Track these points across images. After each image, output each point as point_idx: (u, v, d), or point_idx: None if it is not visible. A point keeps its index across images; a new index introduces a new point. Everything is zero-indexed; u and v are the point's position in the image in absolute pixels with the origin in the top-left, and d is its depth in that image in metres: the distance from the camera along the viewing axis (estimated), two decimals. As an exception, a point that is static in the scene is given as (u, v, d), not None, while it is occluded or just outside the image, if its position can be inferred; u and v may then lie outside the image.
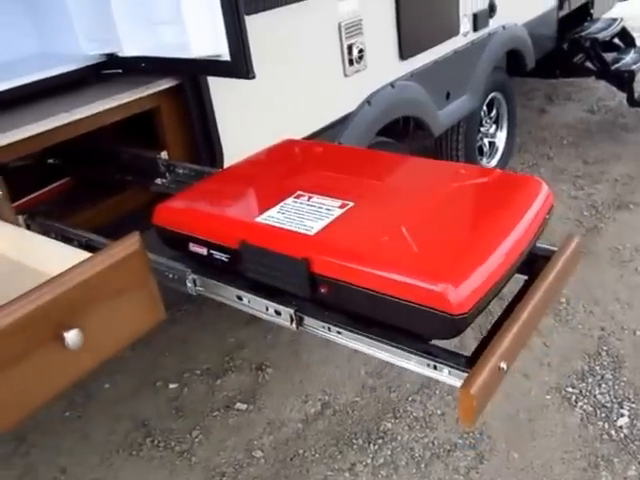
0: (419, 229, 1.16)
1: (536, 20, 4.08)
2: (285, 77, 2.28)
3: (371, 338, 1.12)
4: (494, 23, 3.55)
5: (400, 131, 3.25)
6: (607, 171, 4.26)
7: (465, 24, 3.29)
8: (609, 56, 4.79)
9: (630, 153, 4.48)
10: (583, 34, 4.55)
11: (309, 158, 1.57)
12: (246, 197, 1.40)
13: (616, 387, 2.54)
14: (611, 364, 2.66)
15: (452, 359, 1.06)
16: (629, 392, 2.51)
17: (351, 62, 2.53)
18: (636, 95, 4.55)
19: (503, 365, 1.01)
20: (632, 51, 4.86)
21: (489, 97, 3.88)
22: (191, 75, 1.92)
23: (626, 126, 4.92)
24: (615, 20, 4.95)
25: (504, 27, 3.64)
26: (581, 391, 2.54)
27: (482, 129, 3.99)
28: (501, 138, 4.19)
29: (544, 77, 4.83)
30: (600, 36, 4.50)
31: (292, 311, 1.20)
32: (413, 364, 1.09)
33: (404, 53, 2.85)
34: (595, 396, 2.51)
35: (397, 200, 1.28)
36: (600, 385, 2.56)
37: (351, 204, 1.25)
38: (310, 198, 1.29)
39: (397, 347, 1.09)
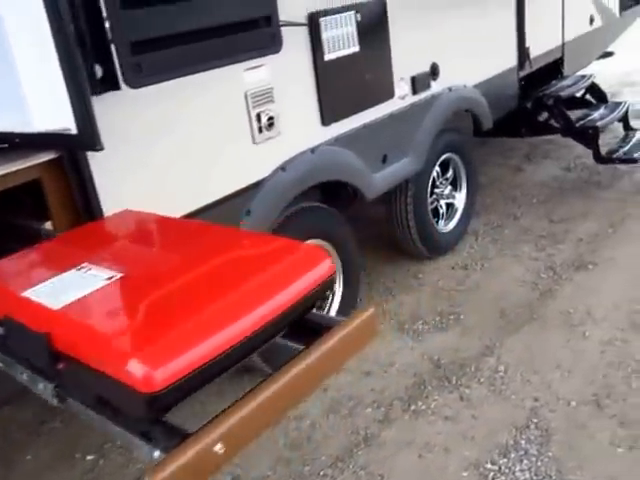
0: (164, 301, 1.12)
1: (492, 80, 4.07)
2: (183, 146, 2.28)
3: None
4: (438, 85, 3.55)
5: (337, 194, 3.23)
6: (572, 230, 4.15)
7: (402, 87, 3.29)
8: (578, 112, 4.75)
9: (599, 210, 4.37)
10: (547, 92, 4.52)
11: (131, 230, 1.55)
12: (36, 268, 1.38)
13: (539, 464, 2.39)
14: (538, 438, 2.51)
15: (164, 437, 0.99)
16: (552, 469, 2.36)
17: (260, 130, 2.54)
18: (603, 151, 4.47)
19: (219, 448, 0.93)
20: (602, 107, 4.80)
21: (442, 158, 3.85)
22: (48, 148, 1.93)
23: (599, 183, 4.82)
24: (584, 77, 4.92)
25: (450, 89, 3.64)
26: (500, 468, 2.40)
27: (437, 190, 3.94)
28: (460, 199, 4.13)
29: (510, 136, 4.79)
30: (564, 94, 4.46)
31: (52, 386, 1.16)
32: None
33: (326, 119, 2.85)
34: (514, 473, 2.37)
35: (165, 271, 1.25)
36: (522, 461, 2.41)
37: (119, 275, 1.22)
38: (88, 270, 1.26)
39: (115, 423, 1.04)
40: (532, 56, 4.45)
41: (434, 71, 3.49)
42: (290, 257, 1.28)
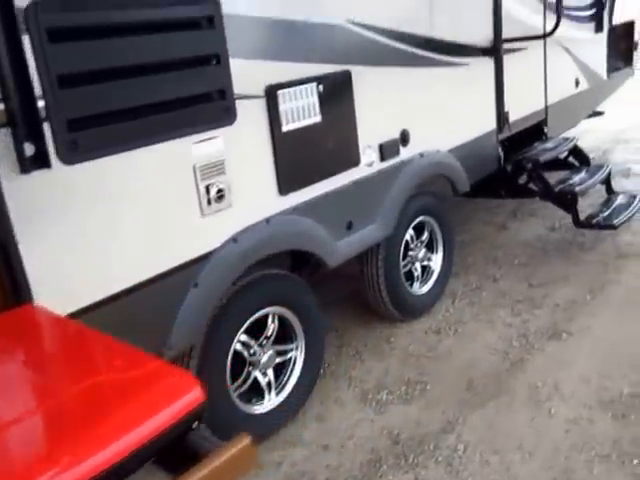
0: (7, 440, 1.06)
1: (469, 145, 4.07)
2: (123, 220, 2.26)
3: None
4: (409, 151, 3.54)
5: (306, 260, 3.21)
6: (550, 294, 4.08)
7: (369, 155, 3.28)
8: (559, 175, 4.73)
9: (580, 274, 4.30)
10: (527, 156, 4.51)
11: (22, 332, 1.51)
12: None
13: None
14: (490, 527, 2.40)
15: None
16: None
17: (209, 202, 2.52)
18: (583, 216, 4.42)
19: None
20: (583, 171, 4.78)
21: (415, 221, 3.82)
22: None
23: (583, 245, 4.75)
24: (567, 139, 4.90)
25: (422, 155, 3.63)
26: None
27: (411, 253, 3.90)
28: (436, 261, 4.09)
29: (490, 197, 4.76)
30: (542, 158, 4.44)
31: None
32: None
33: (284, 188, 2.84)
34: None
35: (20, 399, 1.19)
36: None
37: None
38: None
39: None
40: (512, 120, 4.46)
41: (404, 138, 3.49)
42: (158, 384, 1.23)
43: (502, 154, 4.43)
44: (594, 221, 4.30)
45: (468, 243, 5.07)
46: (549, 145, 4.75)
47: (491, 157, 4.36)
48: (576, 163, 5.00)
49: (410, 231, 3.82)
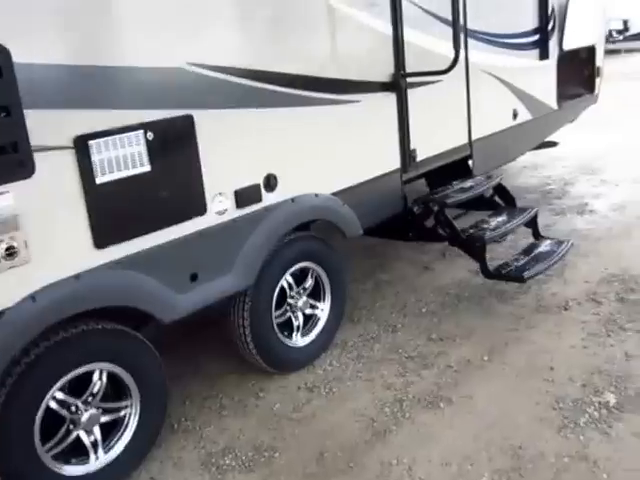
0: None
1: (362, 186, 3.80)
2: None
3: None
4: (277, 196, 3.29)
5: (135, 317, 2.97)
6: (446, 352, 3.78)
7: (221, 202, 3.04)
8: (479, 216, 4.44)
9: (486, 329, 4.00)
10: (435, 196, 4.22)
11: None
12: None
13: None
14: None
15: None
16: None
17: (-3, 259, 2.30)
18: (496, 264, 4.13)
19: None
20: (505, 213, 4.47)
21: (294, 268, 3.56)
22: None
23: (503, 294, 4.44)
24: (490, 178, 4.60)
25: (293, 200, 3.37)
26: None
27: (290, 301, 3.64)
28: (324, 309, 3.82)
29: (398, 239, 4.47)
30: (452, 200, 4.15)
31: None
32: None
33: (101, 242, 2.61)
34: None
35: None
36: None
37: None
38: None
39: None
40: (421, 158, 4.18)
41: (269, 183, 3.24)
42: None
43: (407, 194, 4.15)
44: (504, 271, 4.00)
45: (383, 284, 4.79)
46: (467, 184, 4.45)
47: (394, 198, 4.09)
48: (501, 203, 4.69)
49: (288, 278, 3.57)
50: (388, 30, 3.82)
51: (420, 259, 5.18)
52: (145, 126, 2.68)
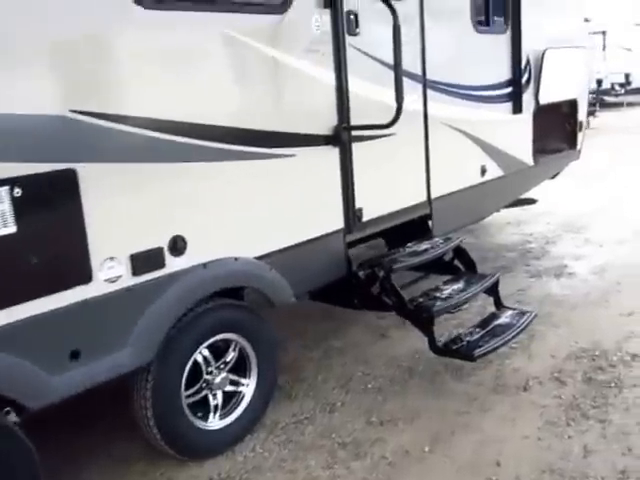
0: None
1: (297, 248, 3.43)
2: None
3: None
4: (185, 261, 2.91)
5: None
6: (385, 439, 3.34)
7: (112, 269, 2.66)
8: (428, 285, 4.04)
9: (434, 412, 3.55)
10: (383, 260, 3.83)
11: None
12: None
13: None
14: None
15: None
16: None
17: None
18: (447, 338, 3.71)
19: None
20: (462, 280, 4.07)
21: (211, 340, 3.15)
22: None
23: (459, 370, 3.99)
24: (448, 240, 4.22)
25: (206, 265, 2.99)
26: None
27: (207, 377, 3.22)
28: (249, 386, 3.39)
29: (343, 306, 4.06)
30: (399, 265, 3.75)
31: None
32: None
33: None
34: None
35: None
36: None
37: None
38: None
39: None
40: (369, 217, 3.81)
41: (176, 246, 2.86)
42: None
43: (350, 257, 3.76)
44: (455, 347, 3.58)
45: (332, 352, 4.36)
46: (422, 246, 4.07)
47: (336, 261, 3.70)
48: (462, 267, 4.28)
49: (204, 351, 3.16)
50: (330, 79, 3.50)
51: (378, 325, 4.75)
52: (10, 182, 2.32)
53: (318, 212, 3.55)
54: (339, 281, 3.78)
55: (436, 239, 4.21)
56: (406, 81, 3.93)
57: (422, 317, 3.59)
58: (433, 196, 4.33)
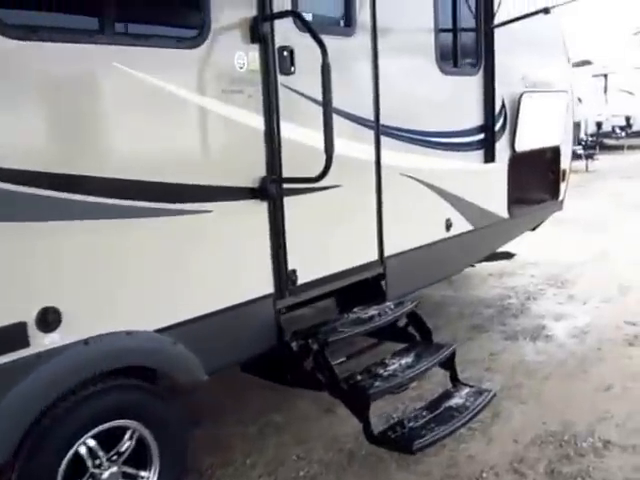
0: None
1: (212, 318, 2.95)
2: None
3: None
4: (59, 338, 2.43)
5: None
6: None
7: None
8: (372, 359, 3.54)
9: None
10: (322, 328, 3.35)
11: None
12: None
13: None
14: None
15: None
16: None
17: None
18: (387, 423, 3.20)
19: None
20: (413, 352, 3.58)
21: (97, 429, 2.65)
22: None
23: (407, 458, 3.46)
24: (401, 305, 3.73)
25: (87, 342, 2.51)
26: None
27: (95, 471, 2.71)
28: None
29: (275, 381, 3.55)
30: (336, 336, 3.27)
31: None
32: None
33: None
34: None
35: None
36: None
37: None
38: None
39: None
40: (306, 280, 3.34)
41: (47, 319, 2.39)
42: None
43: (284, 325, 3.28)
44: (393, 436, 3.07)
45: (270, 429, 3.85)
46: (368, 312, 3.58)
47: (264, 331, 3.22)
48: (416, 335, 3.79)
49: (89, 442, 2.66)
50: (258, 124, 3.06)
51: (326, 398, 4.22)
52: None
53: (241, 275, 3.08)
54: (271, 353, 3.29)
55: (388, 304, 3.73)
56: (354, 128, 3.55)
57: (356, 400, 3.09)
58: (387, 254, 3.86)
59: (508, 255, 5.72)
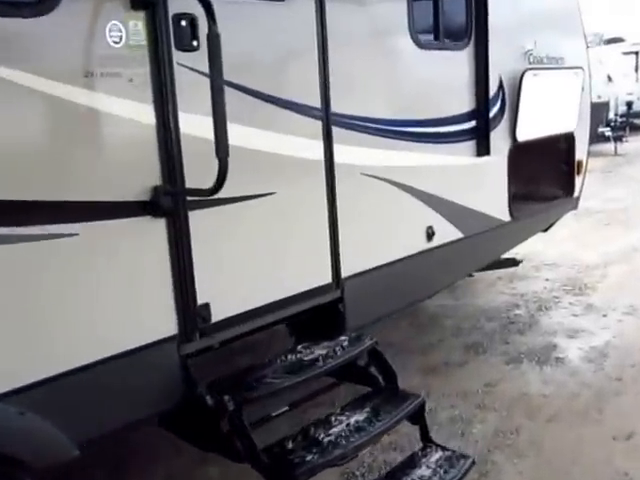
0: None
1: (85, 372, 2.22)
2: None
3: None
4: None
5: None
6: None
7: None
8: (319, 419, 2.78)
9: None
10: (242, 381, 2.59)
11: None
12: None
13: None
14: None
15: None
16: None
17: None
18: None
19: None
20: (371, 403, 2.80)
21: None
22: None
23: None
24: (358, 340, 2.96)
25: None
26: None
27: None
28: None
29: (193, 443, 2.79)
30: (256, 393, 2.51)
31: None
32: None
33: None
34: None
35: None
36: None
37: None
38: None
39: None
40: (221, 317, 2.59)
41: None
42: None
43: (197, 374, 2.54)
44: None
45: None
46: (314, 352, 2.82)
47: (164, 384, 2.48)
48: (379, 377, 3.02)
49: None
50: (146, 117, 2.31)
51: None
52: None
53: (127, 315, 2.35)
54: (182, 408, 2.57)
55: (342, 338, 2.97)
56: (291, 118, 2.77)
57: (280, 477, 2.35)
58: (345, 274, 3.09)
59: (513, 262, 4.90)
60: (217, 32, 2.10)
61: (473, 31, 3.75)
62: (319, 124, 2.91)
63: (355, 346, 2.90)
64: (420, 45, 3.41)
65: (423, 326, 5.18)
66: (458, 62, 3.71)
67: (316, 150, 2.91)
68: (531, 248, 5.99)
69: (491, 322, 5.18)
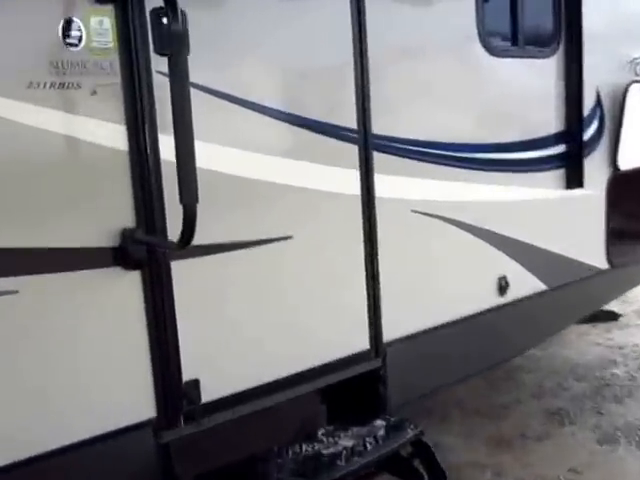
0: None
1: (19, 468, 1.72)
2: None
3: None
4: None
5: None
6: None
7: None
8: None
9: None
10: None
11: None
12: None
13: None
14: None
15: None
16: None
17: None
18: None
19: None
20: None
21: None
22: None
23: None
24: (398, 429, 2.30)
25: None
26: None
27: None
28: None
29: None
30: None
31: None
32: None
33: None
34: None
35: None
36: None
37: None
38: None
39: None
40: (214, 396, 2.02)
41: None
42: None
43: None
44: None
45: None
46: (340, 443, 2.18)
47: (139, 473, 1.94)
48: (425, 475, 2.34)
49: None
50: (114, 140, 1.79)
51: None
52: None
53: (83, 394, 1.82)
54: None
55: (378, 423, 2.32)
56: (316, 141, 2.18)
57: None
58: (387, 339, 2.45)
59: (611, 316, 4.06)
60: (181, 29, 1.55)
61: (563, 35, 3.04)
62: (354, 149, 2.30)
63: (393, 438, 2.25)
64: (492, 51, 2.75)
65: (497, 381, 4.40)
66: (543, 72, 3.02)
67: (349, 181, 2.30)
68: (633, 290, 5.10)
69: (581, 382, 4.34)
